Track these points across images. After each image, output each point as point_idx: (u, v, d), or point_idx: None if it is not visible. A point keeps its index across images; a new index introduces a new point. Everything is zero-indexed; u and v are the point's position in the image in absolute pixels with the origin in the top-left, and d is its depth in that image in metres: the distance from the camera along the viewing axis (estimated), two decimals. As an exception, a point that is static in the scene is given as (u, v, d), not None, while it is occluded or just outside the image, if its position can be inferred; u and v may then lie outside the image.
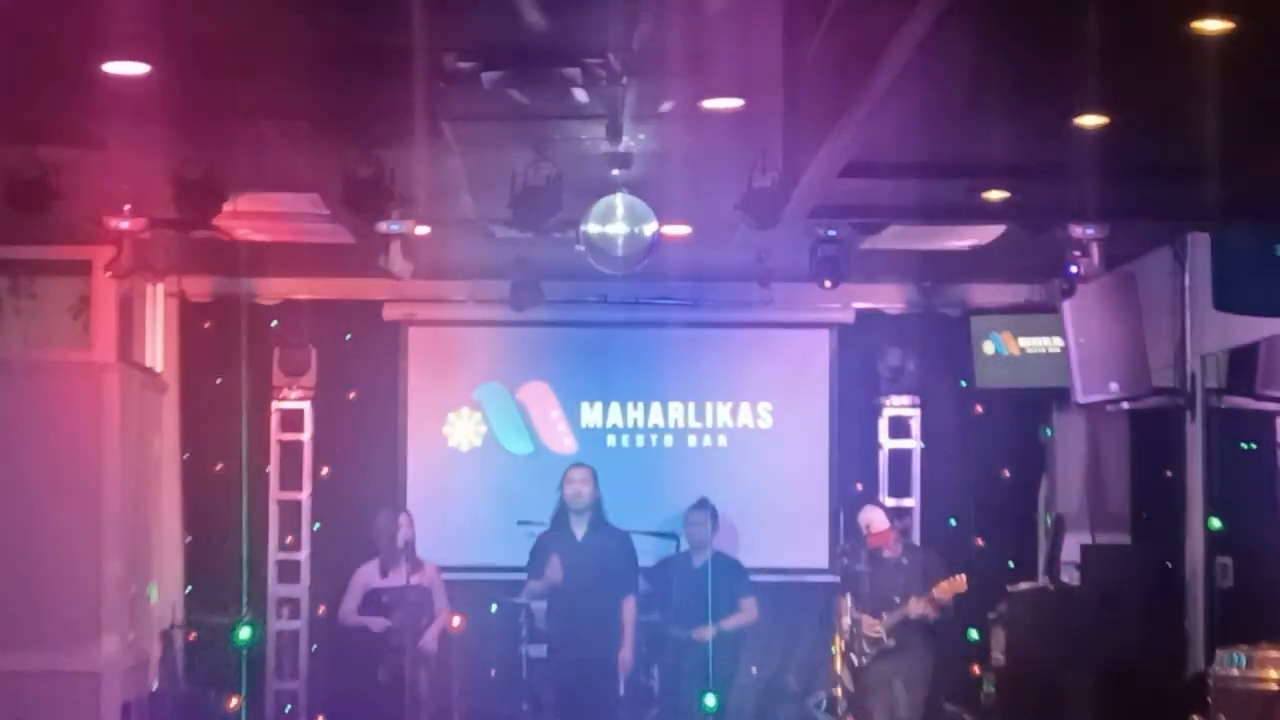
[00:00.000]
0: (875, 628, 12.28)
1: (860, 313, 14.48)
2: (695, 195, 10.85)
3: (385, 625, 12.62)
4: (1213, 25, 6.53)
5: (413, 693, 12.37)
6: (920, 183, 9.67)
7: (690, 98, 8.82)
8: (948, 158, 9.05)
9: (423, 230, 11.34)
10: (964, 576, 12.19)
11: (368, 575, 12.76)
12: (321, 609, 14.26)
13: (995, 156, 8.81)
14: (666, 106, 8.95)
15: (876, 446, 14.66)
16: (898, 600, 12.23)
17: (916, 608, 12.15)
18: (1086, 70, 7.02)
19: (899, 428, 14.66)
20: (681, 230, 11.62)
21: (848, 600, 12.63)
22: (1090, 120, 8.00)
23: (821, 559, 14.29)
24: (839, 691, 12.94)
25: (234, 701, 12.96)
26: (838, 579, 13.13)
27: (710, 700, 12.41)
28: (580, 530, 12.60)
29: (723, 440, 14.69)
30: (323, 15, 7.78)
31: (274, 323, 14.32)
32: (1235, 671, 8.98)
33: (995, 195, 9.83)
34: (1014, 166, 9.09)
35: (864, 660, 12.38)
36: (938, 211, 10.64)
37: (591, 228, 10.14)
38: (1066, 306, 12.62)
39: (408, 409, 14.60)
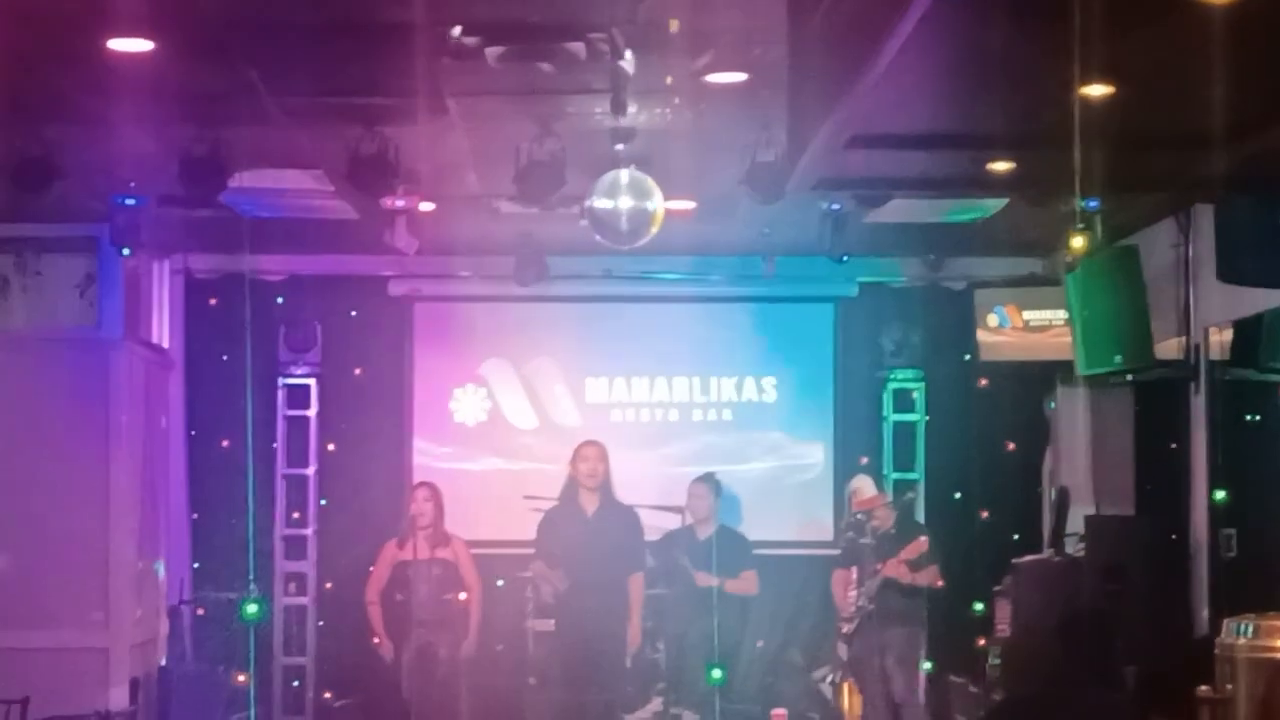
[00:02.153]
0: (857, 598, 12.37)
1: (864, 286, 14.48)
2: (699, 169, 10.85)
3: (390, 650, 12.65)
4: (1219, -8, 6.54)
5: (423, 668, 12.37)
6: (925, 154, 9.67)
7: (694, 72, 8.83)
8: (952, 129, 9.05)
9: (427, 206, 11.35)
10: (925, 539, 12.28)
11: (392, 550, 12.73)
12: (328, 585, 14.31)
13: (999, 128, 8.81)
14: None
15: (880, 420, 14.68)
16: (877, 569, 12.31)
17: (892, 570, 12.22)
18: (1091, 40, 7.01)
19: (903, 401, 14.68)
20: (686, 204, 11.62)
21: (850, 573, 12.65)
22: (1095, 90, 7.99)
23: (826, 533, 14.32)
24: (841, 663, 12.97)
25: (241, 677, 12.98)
26: (838, 553, 13.15)
27: (716, 674, 12.44)
28: (591, 507, 12.62)
29: (727, 414, 14.72)
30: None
31: (279, 299, 14.33)
32: (1243, 641, 8.96)
33: (1000, 167, 9.83)
34: (1018, 138, 9.08)
35: (852, 628, 12.46)
36: (942, 183, 10.64)
37: (596, 202, 10.14)
38: (1070, 279, 12.60)
39: (413, 384, 14.62)
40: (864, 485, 12.82)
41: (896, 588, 12.31)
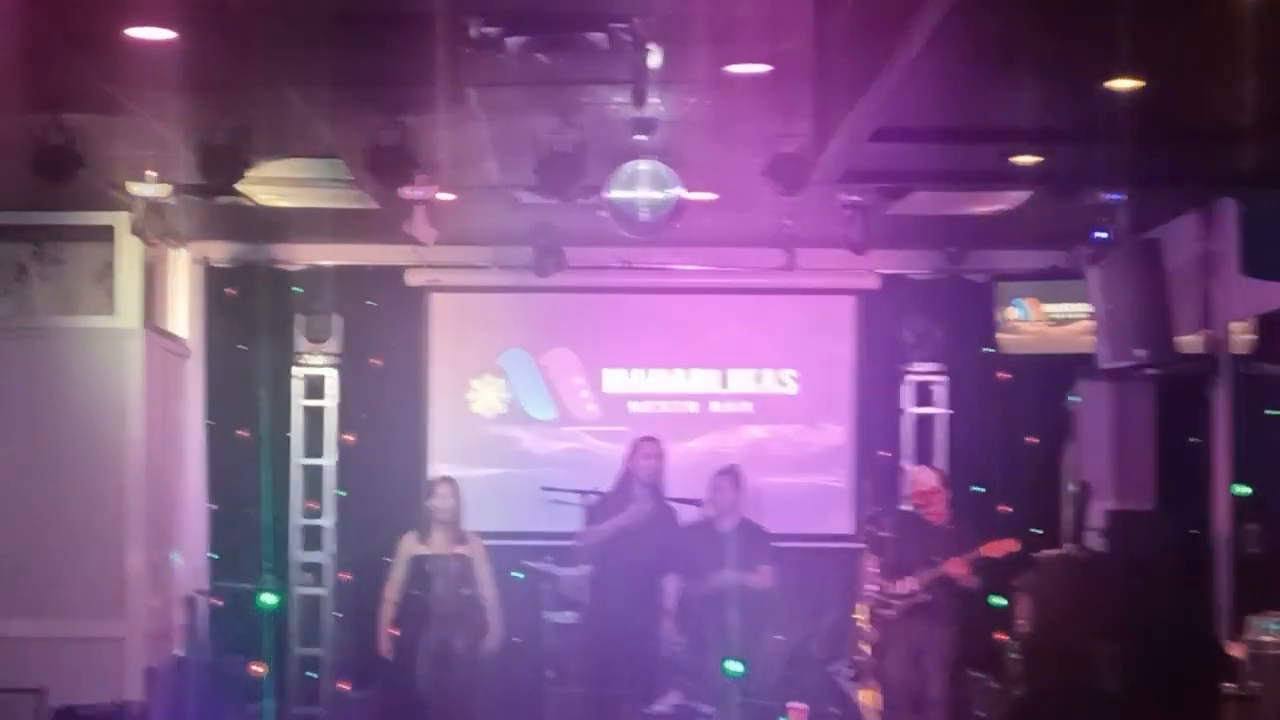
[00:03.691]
0: (909, 584, 12.22)
1: (885, 278, 14.45)
2: (720, 160, 10.82)
3: (390, 649, 12.63)
4: (1247, -13, 6.49)
5: (439, 662, 12.34)
6: (950, 147, 9.63)
7: (716, 63, 8.78)
8: (978, 122, 9.01)
9: (447, 196, 11.32)
10: (1015, 540, 12.20)
11: (409, 545, 12.70)
12: (346, 575, 14.30)
13: (1025, 121, 8.77)
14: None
15: (901, 413, 14.63)
16: (935, 560, 12.18)
17: (956, 568, 12.11)
18: (1118, 33, 6.96)
19: (924, 394, 14.64)
20: (706, 196, 11.58)
21: (874, 563, 12.58)
22: (1122, 84, 7.95)
23: (846, 526, 14.29)
24: (863, 655, 12.90)
25: (258, 668, 12.98)
26: (863, 545, 13.08)
27: (734, 667, 12.40)
28: (646, 505, 12.65)
29: (747, 407, 14.68)
30: (347, -21, 7.77)
31: (297, 288, 14.32)
32: (1268, 638, 8.94)
33: (1025, 160, 9.78)
34: (1044, 131, 9.04)
35: (890, 613, 12.34)
36: (967, 176, 10.60)
37: (616, 193, 10.11)
38: (1092, 272, 12.57)
39: (431, 375, 14.60)
40: (924, 477, 12.71)
41: (950, 585, 12.21)
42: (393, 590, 12.61)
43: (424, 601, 12.46)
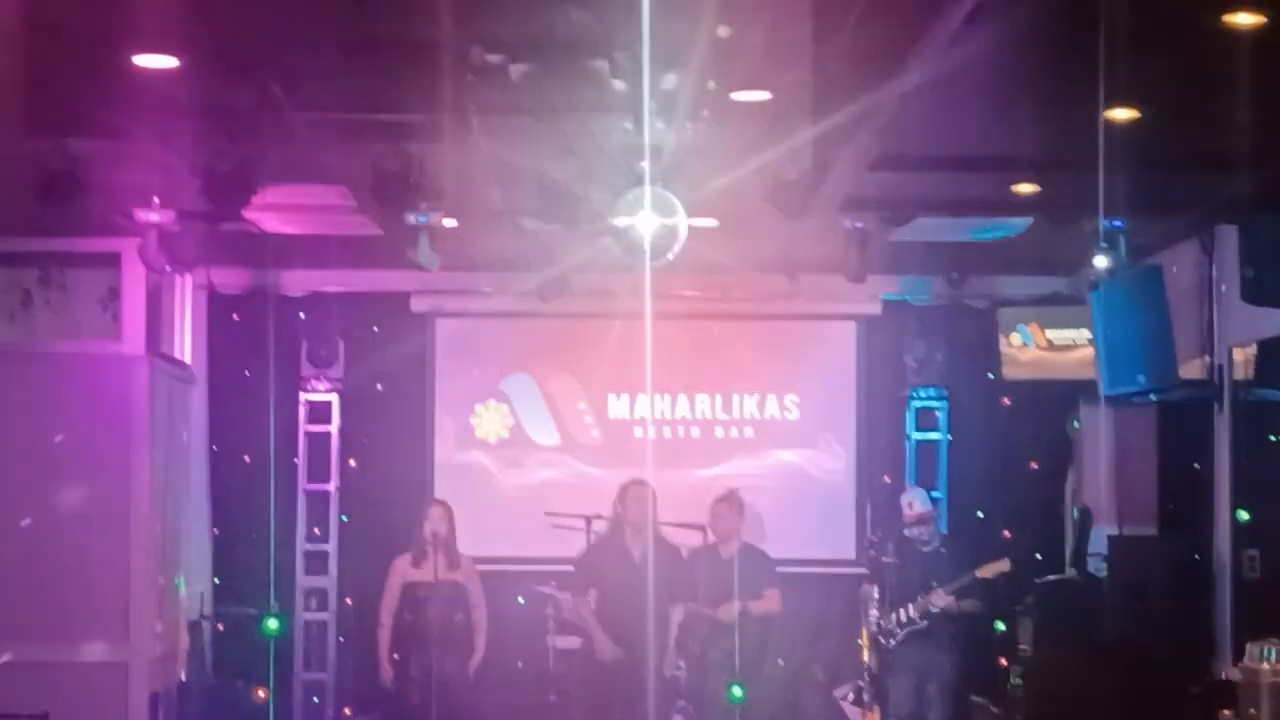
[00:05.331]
0: (908, 610, 12.25)
1: (887, 304, 14.46)
2: (723, 187, 10.84)
3: (390, 676, 12.66)
4: (1244, 19, 6.53)
5: (441, 686, 12.34)
6: (949, 176, 9.66)
7: (718, 90, 8.81)
8: (977, 151, 9.05)
9: (450, 222, 11.35)
10: (1007, 560, 12.21)
11: (402, 568, 12.71)
12: (348, 600, 14.32)
13: (1025, 149, 8.81)
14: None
15: (903, 438, 14.65)
16: (934, 584, 12.21)
17: (941, 599, 12.14)
18: (1117, 63, 7.01)
19: (926, 419, 14.65)
20: (709, 222, 11.61)
21: (874, 590, 12.60)
22: (1120, 113, 7.99)
23: (849, 550, 14.30)
24: (864, 680, 12.91)
25: (261, 693, 12.97)
26: (865, 570, 13.10)
27: (737, 691, 12.39)
28: (637, 550, 12.62)
29: (749, 432, 14.69)
30: (351, 8, 7.80)
31: (302, 314, 14.35)
32: (1266, 665, 8.94)
33: (1024, 188, 9.82)
34: (1043, 159, 9.08)
35: (892, 643, 12.36)
36: (967, 204, 10.64)
37: (619, 219, 10.14)
38: (1094, 298, 12.59)
39: (435, 400, 14.62)
40: (916, 499, 12.73)
41: (949, 611, 12.22)
42: (386, 614, 12.64)
43: (418, 627, 12.46)
